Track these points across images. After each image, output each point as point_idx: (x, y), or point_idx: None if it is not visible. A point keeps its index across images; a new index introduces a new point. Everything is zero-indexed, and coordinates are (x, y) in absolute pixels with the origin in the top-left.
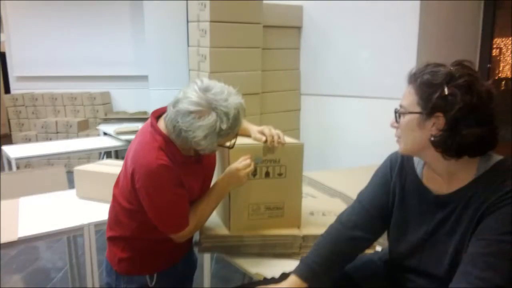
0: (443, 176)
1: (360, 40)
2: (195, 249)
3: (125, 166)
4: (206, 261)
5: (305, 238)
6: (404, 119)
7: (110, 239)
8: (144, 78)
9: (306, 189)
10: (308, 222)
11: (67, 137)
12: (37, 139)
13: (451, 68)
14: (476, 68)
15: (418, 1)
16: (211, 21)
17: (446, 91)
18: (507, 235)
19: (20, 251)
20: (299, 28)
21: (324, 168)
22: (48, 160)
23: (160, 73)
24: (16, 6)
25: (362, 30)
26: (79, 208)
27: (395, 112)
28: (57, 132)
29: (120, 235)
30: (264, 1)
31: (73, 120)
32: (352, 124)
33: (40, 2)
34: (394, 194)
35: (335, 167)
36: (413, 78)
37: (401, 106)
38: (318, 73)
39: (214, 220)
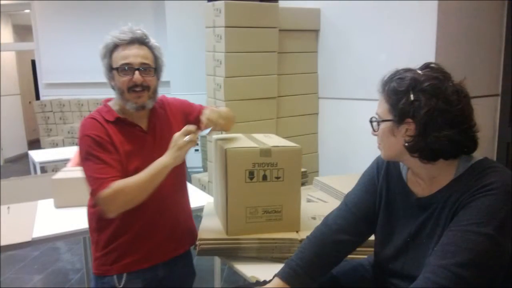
0: (424, 180)
1: (378, 42)
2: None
3: None
4: (216, 265)
5: (303, 242)
6: (380, 127)
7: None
8: (166, 83)
9: (318, 194)
10: (308, 227)
11: None
12: (63, 144)
13: (419, 72)
14: (501, 73)
15: (436, 1)
16: (226, 27)
17: (411, 97)
18: (472, 226)
19: (42, 252)
20: (316, 31)
21: (343, 172)
22: None
23: (182, 78)
24: (44, 16)
25: (380, 32)
26: None
27: (370, 121)
28: None
29: (96, 239)
30: (281, 5)
31: None
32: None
33: (66, 12)
34: (380, 197)
35: (354, 171)
36: (383, 87)
37: (376, 114)
38: (337, 76)
39: (212, 222)
